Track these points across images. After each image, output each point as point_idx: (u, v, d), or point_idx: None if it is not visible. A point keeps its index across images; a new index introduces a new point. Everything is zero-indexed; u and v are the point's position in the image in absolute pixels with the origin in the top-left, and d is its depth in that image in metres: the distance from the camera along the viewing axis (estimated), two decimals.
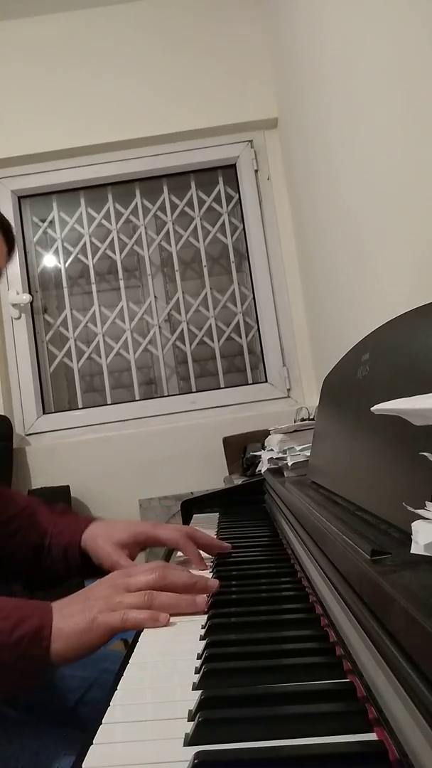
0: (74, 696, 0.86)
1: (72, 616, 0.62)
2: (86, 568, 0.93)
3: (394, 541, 0.45)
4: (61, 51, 2.51)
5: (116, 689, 0.49)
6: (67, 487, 2.30)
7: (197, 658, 0.52)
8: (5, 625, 0.60)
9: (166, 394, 2.57)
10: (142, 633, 0.62)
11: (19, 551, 0.97)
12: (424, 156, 1.03)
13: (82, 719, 0.84)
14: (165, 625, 0.62)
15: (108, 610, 0.63)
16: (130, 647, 0.59)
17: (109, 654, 0.91)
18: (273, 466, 1.29)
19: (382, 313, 0.72)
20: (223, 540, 0.99)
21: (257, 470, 1.53)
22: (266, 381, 2.53)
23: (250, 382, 2.56)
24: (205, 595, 0.67)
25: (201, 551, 0.88)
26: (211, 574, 0.80)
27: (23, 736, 0.72)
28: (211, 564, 0.85)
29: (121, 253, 2.60)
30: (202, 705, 0.42)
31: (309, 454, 1.08)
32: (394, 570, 0.38)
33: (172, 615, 0.64)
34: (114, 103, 2.48)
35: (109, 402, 2.55)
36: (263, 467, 1.39)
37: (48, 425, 2.50)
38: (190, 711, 0.43)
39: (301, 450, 1.15)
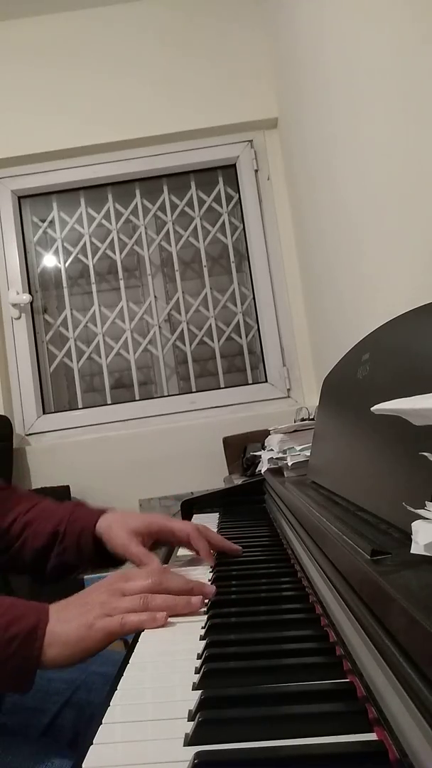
0: (60, 698, 0.85)
1: (69, 621, 0.62)
2: (98, 557, 0.91)
3: (394, 541, 0.45)
4: (61, 51, 2.51)
5: (116, 689, 0.49)
6: (67, 487, 2.30)
7: (197, 658, 0.52)
8: (1, 621, 0.60)
9: (166, 394, 2.57)
10: (142, 633, 0.62)
11: (35, 540, 0.96)
12: (424, 156, 1.03)
13: (68, 722, 0.83)
14: (163, 625, 0.62)
15: (105, 614, 0.62)
16: (130, 647, 0.59)
17: (98, 654, 0.90)
18: (273, 466, 1.29)
19: (382, 313, 0.72)
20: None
21: (257, 470, 1.53)
22: (266, 381, 2.53)
23: (250, 382, 2.56)
24: (200, 598, 0.67)
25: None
26: (212, 573, 0.80)
27: (5, 744, 0.71)
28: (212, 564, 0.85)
29: (121, 253, 2.60)
30: (202, 705, 0.42)
31: (309, 454, 1.08)
32: (394, 570, 0.38)
33: (169, 616, 0.64)
34: (114, 103, 2.48)
35: (109, 402, 2.55)
36: (263, 467, 1.39)
37: (48, 425, 2.50)
38: (190, 711, 0.43)
39: (301, 450, 1.15)
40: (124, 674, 0.52)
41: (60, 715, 0.83)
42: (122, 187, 2.62)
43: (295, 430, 1.27)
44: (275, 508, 1.13)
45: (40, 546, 0.94)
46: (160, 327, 2.58)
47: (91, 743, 0.40)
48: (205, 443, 2.30)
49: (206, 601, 0.68)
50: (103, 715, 0.44)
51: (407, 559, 0.38)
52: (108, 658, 0.88)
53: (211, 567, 0.83)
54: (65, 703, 0.85)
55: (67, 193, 2.62)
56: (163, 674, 0.52)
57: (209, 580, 0.77)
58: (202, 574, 0.80)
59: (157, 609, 0.64)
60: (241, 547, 0.90)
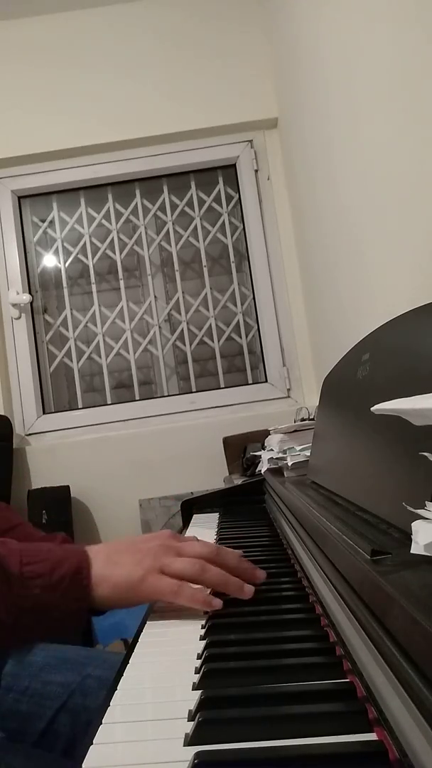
0: (55, 703, 0.83)
1: (120, 565, 0.62)
2: None
3: (394, 541, 0.45)
4: (62, 51, 2.51)
5: (116, 689, 0.49)
6: (67, 487, 2.31)
7: (197, 658, 0.52)
8: (44, 567, 0.60)
9: (166, 394, 2.57)
10: (142, 633, 0.62)
11: None
12: (424, 156, 1.03)
13: (63, 728, 0.81)
14: (214, 609, 0.60)
15: (157, 570, 0.62)
16: (130, 647, 0.59)
17: (94, 657, 0.89)
18: (273, 466, 1.29)
19: (382, 313, 0.72)
20: (223, 540, 1.00)
21: (257, 470, 1.53)
22: (266, 381, 2.53)
23: (250, 382, 2.56)
24: (251, 586, 0.64)
25: None
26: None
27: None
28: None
29: (121, 253, 2.60)
30: (202, 705, 0.42)
31: (309, 454, 1.08)
32: (394, 570, 0.38)
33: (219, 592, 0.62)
34: (114, 103, 2.48)
35: (109, 402, 2.55)
36: (263, 467, 1.39)
37: (48, 425, 2.50)
38: (190, 711, 0.43)
39: (301, 450, 1.15)
40: (124, 674, 0.52)
41: (55, 720, 0.82)
42: (122, 187, 2.62)
43: (295, 430, 1.27)
44: (275, 508, 1.13)
45: None
46: (160, 327, 2.58)
47: (91, 743, 0.40)
48: (205, 443, 2.30)
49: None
50: (103, 715, 0.44)
51: (407, 559, 0.38)
52: (105, 660, 0.88)
53: None
54: (60, 708, 0.83)
55: (67, 193, 2.62)
56: (163, 674, 0.52)
57: None
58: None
59: (211, 581, 0.62)
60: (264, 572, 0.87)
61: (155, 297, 2.60)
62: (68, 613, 0.61)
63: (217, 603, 0.61)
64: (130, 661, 0.55)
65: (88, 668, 0.84)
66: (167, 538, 0.67)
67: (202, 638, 0.57)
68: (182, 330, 2.56)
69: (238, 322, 2.57)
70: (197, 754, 0.36)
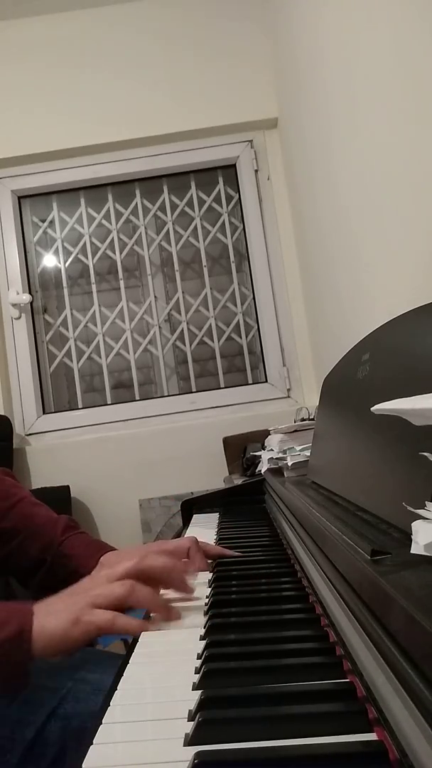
0: (45, 710, 0.80)
1: (56, 614, 0.62)
2: None
3: (394, 541, 0.45)
4: (62, 51, 2.51)
5: (116, 689, 0.49)
6: (67, 487, 2.30)
7: (197, 658, 0.52)
8: None
9: (166, 394, 2.57)
10: (142, 633, 0.62)
11: (19, 559, 0.95)
12: (424, 156, 1.03)
13: (53, 735, 0.78)
14: (140, 631, 0.62)
15: (91, 606, 0.63)
16: (130, 647, 0.59)
17: (87, 659, 0.87)
18: (273, 466, 1.29)
19: (382, 313, 0.72)
20: (223, 540, 1.00)
21: (257, 470, 1.53)
22: (266, 381, 2.53)
23: (250, 382, 2.56)
24: (178, 611, 0.67)
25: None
26: (212, 573, 0.80)
27: None
28: (211, 563, 0.85)
29: (121, 253, 2.60)
30: (202, 705, 0.42)
31: (309, 454, 1.08)
32: (394, 570, 0.38)
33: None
34: (114, 103, 2.48)
35: (109, 402, 2.55)
36: (263, 467, 1.39)
37: (48, 425, 2.50)
38: (190, 711, 0.43)
39: (301, 450, 1.16)
40: (124, 674, 0.52)
41: (45, 727, 0.79)
42: (122, 187, 2.62)
43: (295, 430, 1.27)
44: (275, 508, 1.13)
45: (27, 564, 0.94)
46: (160, 327, 2.58)
47: (91, 743, 0.40)
48: (205, 443, 2.30)
49: (207, 601, 0.67)
50: (103, 715, 0.44)
51: (407, 559, 0.38)
52: (98, 664, 0.86)
53: (210, 570, 0.83)
54: (51, 714, 0.80)
55: (67, 193, 2.62)
56: (163, 674, 0.52)
57: (210, 580, 0.77)
58: (203, 575, 0.80)
59: (138, 600, 0.64)
60: (237, 552, 0.90)
61: (155, 297, 2.60)
62: (10, 674, 0.61)
63: (148, 626, 0.62)
64: (130, 661, 0.55)
65: (81, 671, 0.83)
66: (99, 569, 0.71)
67: (202, 638, 0.57)
68: (182, 330, 2.56)
69: (238, 322, 2.57)
70: (197, 754, 0.36)
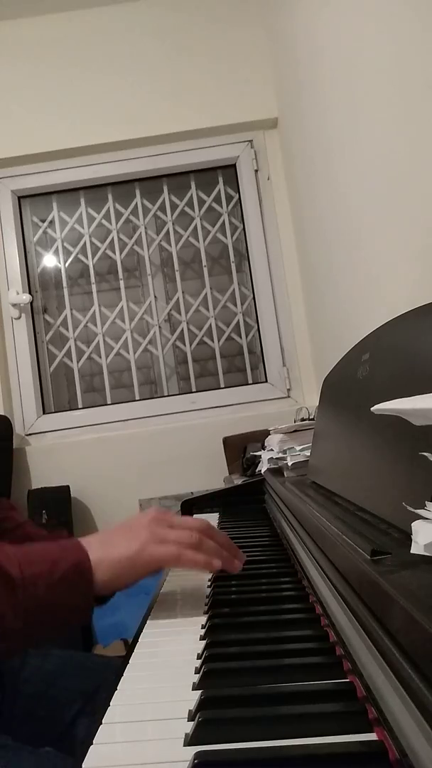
0: (73, 709, 0.83)
1: (116, 545, 0.63)
2: None
3: (394, 541, 0.45)
4: (62, 51, 2.51)
5: (116, 689, 0.49)
6: (67, 487, 2.30)
7: (197, 658, 0.52)
8: (45, 566, 0.60)
9: (166, 394, 2.57)
10: (142, 633, 0.62)
11: None
12: (424, 155, 1.03)
13: (80, 733, 0.81)
14: (213, 569, 0.63)
15: (154, 541, 0.63)
16: (130, 647, 0.59)
17: (109, 664, 0.89)
18: (273, 466, 1.29)
19: (382, 313, 0.72)
20: None
21: (257, 470, 1.53)
22: (266, 381, 2.53)
23: (250, 382, 2.56)
24: (240, 562, 0.68)
25: None
26: (212, 573, 0.80)
27: (10, 756, 0.70)
28: None
29: (121, 253, 2.60)
30: (202, 705, 0.42)
31: (309, 454, 1.08)
32: (394, 570, 0.38)
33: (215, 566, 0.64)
34: (114, 103, 2.48)
35: (109, 402, 2.55)
36: (263, 467, 1.39)
37: (48, 425, 2.50)
38: (190, 711, 0.43)
39: (301, 450, 1.16)
40: (124, 674, 0.52)
41: (73, 725, 0.81)
42: (122, 187, 2.62)
43: (295, 430, 1.27)
44: (275, 508, 1.13)
45: None
46: (160, 327, 2.58)
47: (91, 743, 0.41)
48: (205, 443, 2.30)
49: (207, 601, 0.67)
50: (103, 715, 0.44)
51: (407, 559, 0.38)
52: (118, 668, 0.87)
53: None
54: (78, 712, 0.83)
55: (67, 193, 2.62)
56: (163, 674, 0.52)
57: (209, 580, 0.77)
58: (202, 574, 0.80)
59: (207, 550, 0.64)
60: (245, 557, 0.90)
61: (155, 297, 2.60)
62: (75, 607, 0.62)
63: (217, 564, 0.63)
64: (130, 662, 0.55)
65: (104, 674, 0.84)
66: (158, 512, 0.68)
67: (202, 638, 0.57)
68: (182, 330, 2.56)
69: (238, 322, 2.57)
70: (197, 754, 0.36)
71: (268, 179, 2.55)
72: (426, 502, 0.39)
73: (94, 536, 0.66)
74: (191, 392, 2.54)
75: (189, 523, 0.67)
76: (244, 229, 2.60)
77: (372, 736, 0.36)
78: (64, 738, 0.80)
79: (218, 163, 2.59)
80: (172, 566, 0.63)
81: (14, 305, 2.52)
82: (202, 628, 0.60)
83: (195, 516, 1.38)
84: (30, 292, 2.56)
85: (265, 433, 1.53)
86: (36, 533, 0.98)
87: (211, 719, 0.40)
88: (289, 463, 1.15)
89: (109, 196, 2.61)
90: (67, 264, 2.61)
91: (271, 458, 1.29)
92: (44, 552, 0.63)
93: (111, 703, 0.47)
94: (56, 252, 2.62)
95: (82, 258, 2.60)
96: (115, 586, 0.62)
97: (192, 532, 0.65)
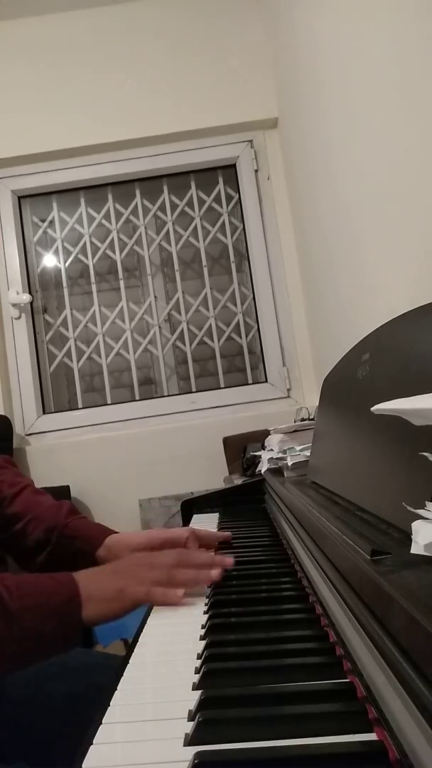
0: (59, 714, 0.82)
1: (101, 585, 0.69)
2: None
3: (394, 541, 0.45)
4: (62, 51, 2.51)
5: (116, 689, 0.49)
6: (67, 487, 2.30)
7: (197, 658, 0.52)
8: (40, 599, 0.65)
9: (166, 394, 2.57)
10: (142, 633, 0.62)
11: (22, 541, 0.97)
12: (423, 155, 1.03)
13: (66, 740, 0.80)
14: (180, 602, 0.69)
15: (135, 582, 0.69)
16: (130, 647, 0.59)
17: (97, 663, 0.89)
18: (273, 466, 1.29)
19: (382, 313, 0.72)
20: None
21: (257, 470, 1.53)
22: (266, 381, 2.53)
23: (250, 382, 2.56)
24: (219, 569, 0.74)
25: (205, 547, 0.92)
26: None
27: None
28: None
29: (121, 253, 2.60)
30: (202, 705, 0.42)
31: (309, 454, 1.08)
32: (394, 570, 0.38)
33: (192, 589, 0.71)
34: (114, 103, 2.48)
35: (109, 402, 2.55)
36: (263, 467, 1.39)
37: (48, 425, 2.50)
38: (190, 711, 0.43)
39: (301, 450, 1.16)
40: (124, 674, 0.52)
41: (60, 732, 0.80)
42: (122, 187, 2.62)
43: (295, 430, 1.27)
44: (275, 508, 1.13)
45: (30, 545, 0.95)
46: (160, 327, 2.58)
47: (91, 743, 0.40)
48: (205, 443, 2.30)
49: (207, 601, 0.68)
50: (103, 715, 0.44)
51: (407, 559, 0.38)
52: (109, 666, 0.87)
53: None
54: (65, 719, 0.81)
55: (67, 193, 2.62)
56: (163, 674, 0.52)
57: None
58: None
59: (181, 582, 0.70)
60: (230, 533, 0.96)
61: (155, 297, 2.60)
62: (63, 637, 0.66)
63: (181, 595, 0.69)
64: (130, 662, 0.55)
65: (92, 676, 0.84)
66: (141, 556, 0.77)
67: (202, 638, 0.57)
68: (182, 330, 2.56)
69: (238, 322, 2.57)
70: (197, 754, 0.36)
71: (268, 179, 2.55)
72: (426, 502, 0.39)
73: (86, 573, 0.71)
74: (191, 392, 2.54)
75: (161, 559, 0.74)
76: (244, 229, 2.60)
77: (372, 736, 0.36)
78: (48, 746, 0.79)
79: (218, 163, 2.59)
80: (145, 602, 0.69)
81: (14, 305, 2.52)
82: (202, 628, 0.60)
83: (195, 516, 1.39)
84: (30, 292, 2.56)
85: (265, 433, 1.53)
86: (35, 502, 0.99)
87: (211, 719, 0.40)
88: (289, 463, 1.15)
89: (109, 196, 2.61)
90: (67, 264, 2.61)
91: (271, 458, 1.29)
92: (39, 585, 0.68)
93: (111, 703, 0.47)
94: (56, 252, 2.62)
95: (82, 258, 2.60)
96: (100, 621, 0.68)
97: (162, 570, 0.71)
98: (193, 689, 0.46)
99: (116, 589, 0.68)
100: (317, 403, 1.09)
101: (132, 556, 0.77)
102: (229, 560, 0.76)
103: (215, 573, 0.72)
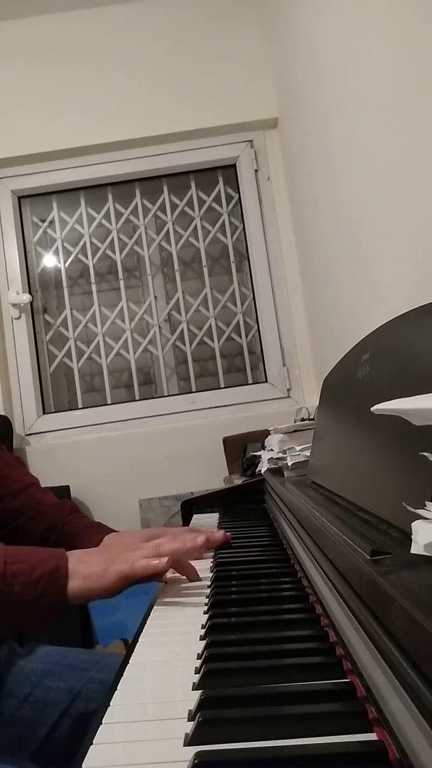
0: (58, 709, 0.84)
1: (88, 562, 0.70)
2: None
3: (394, 541, 0.45)
4: (62, 51, 2.51)
5: (116, 689, 0.49)
6: (67, 487, 2.30)
7: (197, 658, 0.52)
8: (25, 566, 0.67)
9: (166, 394, 2.57)
10: (142, 633, 0.62)
11: (23, 537, 0.98)
12: (423, 155, 1.03)
13: (65, 734, 0.82)
14: (166, 569, 0.71)
15: (121, 561, 0.70)
16: (130, 647, 0.59)
17: (96, 661, 0.90)
18: (273, 466, 1.29)
19: (382, 313, 0.72)
20: None
21: (257, 470, 1.53)
22: (266, 381, 2.53)
23: (250, 382, 2.56)
24: (204, 536, 0.78)
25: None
26: (212, 573, 0.80)
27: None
28: (211, 563, 0.85)
29: (121, 253, 2.60)
30: (202, 705, 0.42)
31: (309, 454, 1.08)
32: (394, 570, 0.38)
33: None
34: (114, 103, 2.48)
35: (109, 402, 2.55)
36: (263, 467, 1.39)
37: (48, 425, 2.50)
38: (190, 711, 0.43)
39: (301, 450, 1.16)
40: (124, 674, 0.52)
41: (58, 726, 0.83)
42: (122, 187, 2.62)
43: (295, 430, 1.27)
44: (275, 508, 1.13)
45: (30, 542, 0.96)
46: (160, 327, 2.58)
47: (91, 743, 0.40)
48: (205, 443, 2.30)
49: (207, 601, 0.68)
50: (103, 715, 0.44)
51: (407, 559, 0.38)
52: (107, 664, 0.88)
53: (210, 567, 0.83)
54: (63, 714, 0.84)
55: (67, 193, 2.62)
56: (163, 674, 0.52)
57: (209, 580, 0.77)
58: (203, 571, 0.80)
59: (167, 552, 0.72)
60: (228, 533, 0.96)
61: (155, 297, 2.60)
62: (46, 606, 0.67)
63: (164, 559, 0.70)
64: (130, 662, 0.55)
65: (91, 672, 0.85)
66: (130, 539, 0.80)
67: (202, 638, 0.57)
68: (182, 330, 2.56)
69: (238, 322, 2.57)
70: (197, 754, 0.36)
71: (268, 179, 2.55)
72: (426, 502, 0.39)
73: (77, 552, 0.73)
74: (191, 392, 2.54)
75: (149, 539, 0.77)
76: (244, 229, 2.60)
77: (372, 736, 0.36)
78: (48, 740, 0.81)
79: (218, 163, 2.59)
80: (129, 575, 0.70)
81: (14, 305, 2.52)
82: (202, 628, 0.60)
83: (195, 516, 1.39)
84: (30, 292, 2.56)
85: (265, 433, 1.53)
86: (38, 499, 1.00)
87: (211, 719, 0.40)
88: (289, 463, 1.15)
89: (109, 196, 2.61)
90: (67, 264, 2.61)
91: (271, 458, 1.29)
92: (30, 553, 0.70)
93: (111, 703, 0.47)
94: (56, 252, 2.62)
95: (82, 258, 2.60)
96: (84, 596, 0.69)
97: (149, 548, 0.73)
98: (193, 689, 0.46)
99: (102, 567, 0.70)
100: (317, 403, 1.09)
101: (123, 542, 0.80)
102: (219, 535, 0.79)
103: (201, 539, 0.75)
